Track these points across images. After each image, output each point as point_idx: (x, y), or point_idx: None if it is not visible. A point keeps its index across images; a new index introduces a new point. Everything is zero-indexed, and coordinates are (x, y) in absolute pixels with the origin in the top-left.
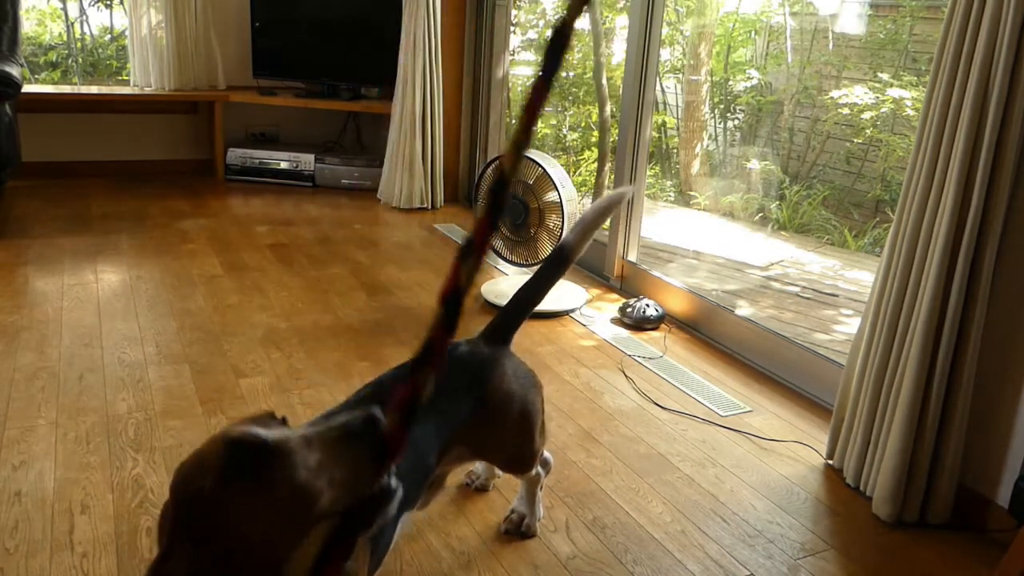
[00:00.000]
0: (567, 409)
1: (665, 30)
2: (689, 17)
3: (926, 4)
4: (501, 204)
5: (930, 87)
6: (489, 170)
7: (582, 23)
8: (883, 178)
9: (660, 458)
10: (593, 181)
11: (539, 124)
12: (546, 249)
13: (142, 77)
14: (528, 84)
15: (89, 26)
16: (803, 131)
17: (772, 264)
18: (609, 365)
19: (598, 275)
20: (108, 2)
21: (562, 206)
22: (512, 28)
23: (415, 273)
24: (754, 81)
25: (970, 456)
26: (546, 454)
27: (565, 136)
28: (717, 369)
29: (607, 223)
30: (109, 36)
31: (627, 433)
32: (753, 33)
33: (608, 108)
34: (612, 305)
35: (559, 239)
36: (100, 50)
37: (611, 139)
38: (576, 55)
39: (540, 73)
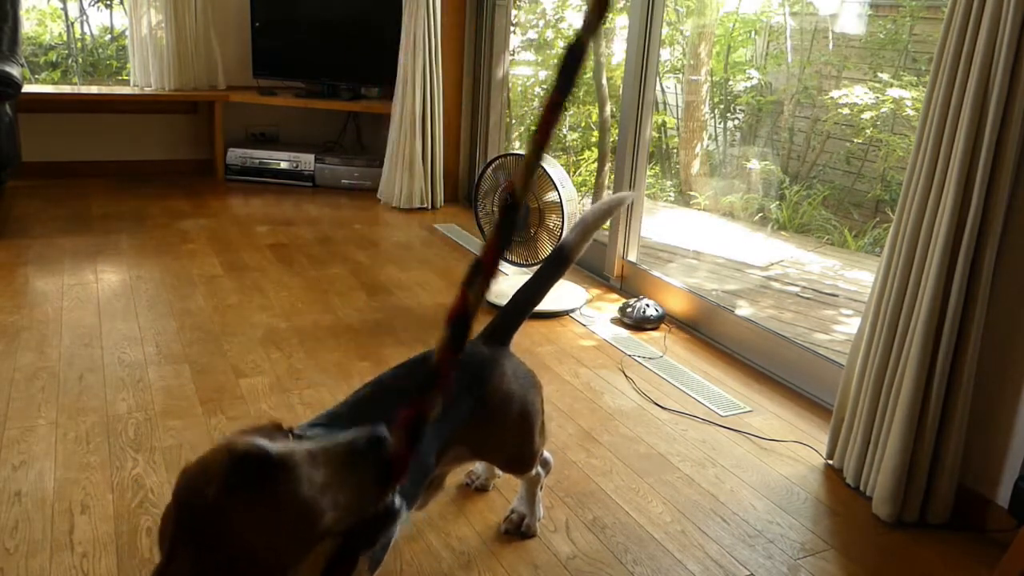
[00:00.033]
0: (567, 409)
1: (665, 30)
2: (689, 17)
3: (926, 4)
4: (512, 226)
5: (930, 87)
6: (489, 170)
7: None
8: (883, 178)
9: (660, 458)
10: (593, 181)
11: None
12: (546, 249)
13: (142, 77)
14: (542, 104)
15: (89, 26)
16: (803, 131)
17: (772, 264)
18: (609, 365)
19: (598, 275)
20: (108, 2)
21: (562, 206)
22: (512, 28)
23: (415, 273)
24: (754, 81)
25: (970, 456)
26: (546, 454)
27: (565, 136)
28: (717, 369)
29: (607, 223)
30: (109, 36)
31: (627, 433)
32: (753, 33)
33: (608, 108)
34: (612, 305)
35: (559, 239)
36: (100, 50)
37: (611, 139)
38: None
39: (553, 92)
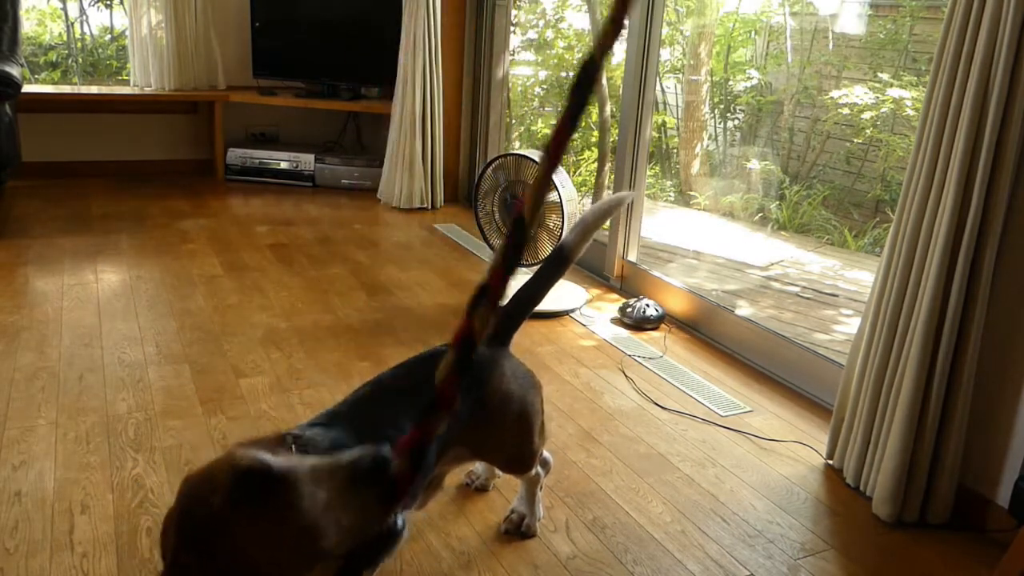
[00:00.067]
0: (567, 409)
1: (665, 30)
2: (689, 17)
3: (926, 4)
4: (519, 251)
5: (930, 87)
6: (489, 170)
7: (584, 24)
8: (883, 178)
9: (660, 458)
10: (593, 181)
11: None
12: (546, 249)
13: (142, 77)
14: (553, 124)
15: (89, 26)
16: (803, 131)
17: (772, 264)
18: (609, 365)
19: (598, 275)
20: (108, 2)
21: (562, 206)
22: (512, 28)
23: (415, 273)
24: (754, 81)
25: (970, 456)
26: (546, 454)
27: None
28: (717, 369)
29: (607, 223)
30: (109, 36)
31: (627, 433)
32: (753, 33)
33: (608, 108)
34: (612, 305)
35: (559, 239)
36: (100, 50)
37: (611, 139)
38: (576, 55)
39: (565, 111)
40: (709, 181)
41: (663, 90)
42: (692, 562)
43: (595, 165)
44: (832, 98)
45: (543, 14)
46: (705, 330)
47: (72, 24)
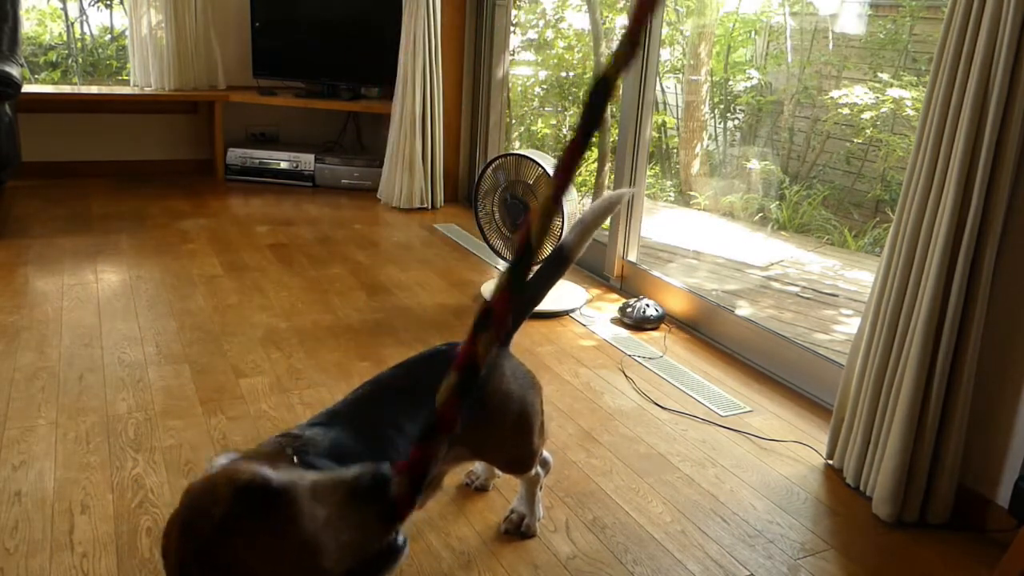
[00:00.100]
0: (567, 409)
1: (665, 30)
2: (689, 17)
3: (926, 4)
4: (525, 274)
5: (930, 87)
6: (489, 170)
7: (584, 24)
8: (883, 178)
9: (660, 458)
10: (593, 181)
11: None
12: (546, 249)
13: (142, 77)
14: (565, 142)
15: (89, 26)
16: (803, 131)
17: (772, 264)
18: (609, 365)
19: (598, 275)
20: (108, 2)
21: (562, 206)
22: (512, 28)
23: (415, 273)
24: (754, 81)
25: (970, 456)
26: (545, 454)
27: (565, 136)
28: (717, 369)
29: (607, 223)
30: (109, 36)
31: (627, 433)
32: (753, 33)
33: (608, 108)
34: (612, 305)
35: (559, 239)
36: (100, 50)
37: (611, 139)
38: (576, 55)
39: (577, 131)
40: (709, 181)
41: (663, 90)
42: (692, 562)
43: (595, 165)
44: (832, 98)
45: (543, 14)
46: (705, 330)
47: (72, 24)
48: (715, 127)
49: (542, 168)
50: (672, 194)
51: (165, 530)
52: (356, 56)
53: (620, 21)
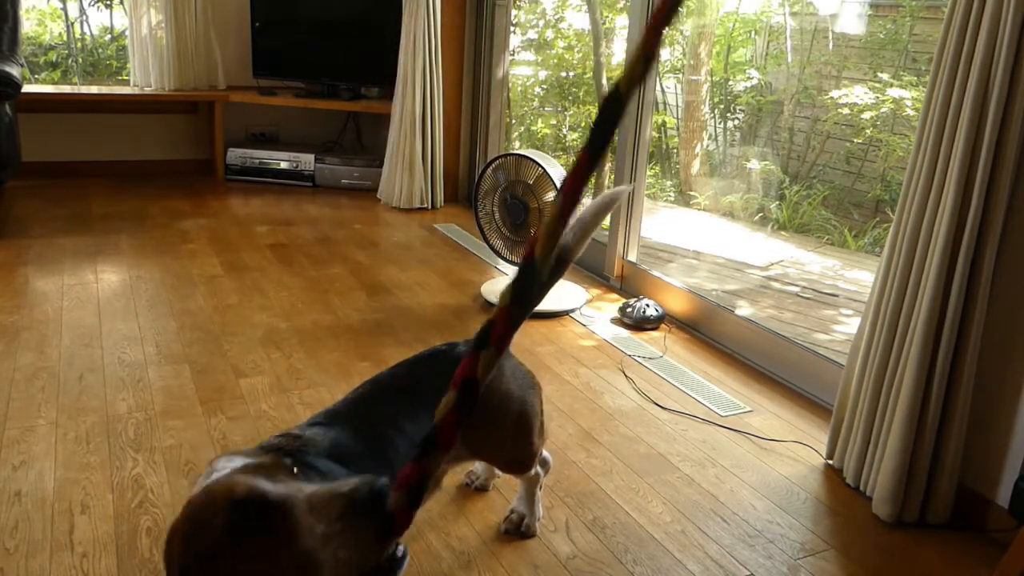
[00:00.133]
0: (567, 409)
1: (665, 30)
2: (689, 17)
3: (926, 4)
4: (529, 296)
5: (930, 87)
6: (489, 170)
7: (584, 24)
8: (883, 178)
9: (660, 458)
10: (593, 181)
11: (539, 125)
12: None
13: (142, 77)
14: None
15: (89, 26)
16: (803, 131)
17: (772, 264)
18: (609, 365)
19: (598, 275)
20: (108, 2)
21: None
22: (512, 28)
23: (415, 273)
24: (754, 81)
25: (970, 456)
26: (545, 454)
27: (565, 136)
28: (717, 369)
29: (607, 222)
30: (109, 36)
31: (627, 433)
32: (753, 33)
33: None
34: (612, 305)
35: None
36: (100, 50)
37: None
38: (576, 55)
39: (585, 148)
40: (709, 181)
41: (663, 90)
42: (692, 562)
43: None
44: (832, 98)
45: (543, 14)
46: (705, 330)
47: (72, 24)
48: (715, 127)
49: (542, 168)
50: (672, 194)
51: (167, 539)
52: (356, 56)
53: (620, 21)
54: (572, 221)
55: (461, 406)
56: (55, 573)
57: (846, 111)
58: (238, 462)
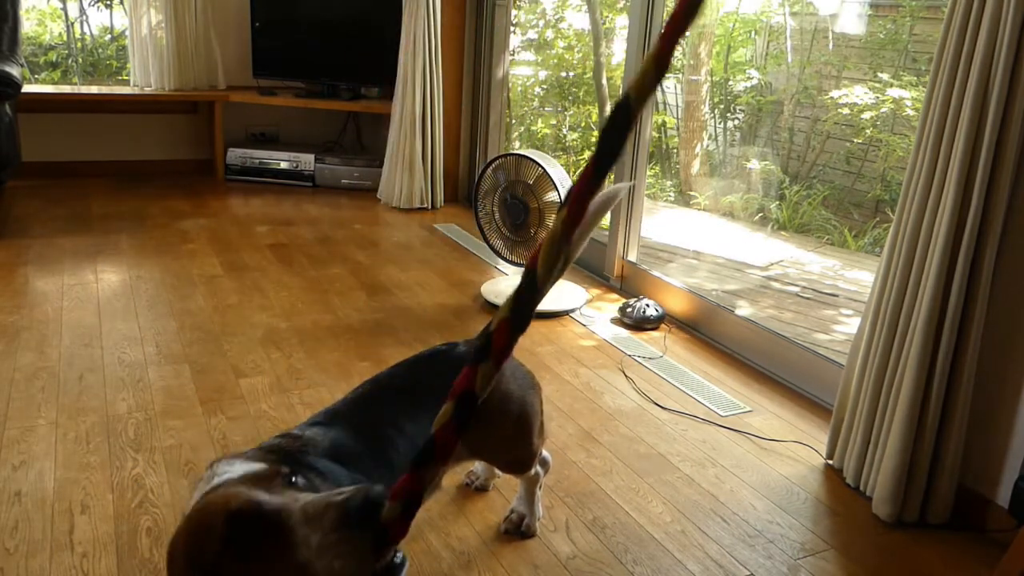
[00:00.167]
0: (567, 409)
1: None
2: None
3: (926, 4)
4: (529, 309)
5: (930, 87)
6: (489, 170)
7: (584, 24)
8: (883, 178)
9: (660, 458)
10: None
11: (539, 125)
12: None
13: (142, 77)
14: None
15: (89, 26)
16: (803, 131)
17: (772, 264)
18: (609, 365)
19: (598, 275)
20: (108, 2)
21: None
22: (512, 28)
23: (415, 273)
24: (754, 81)
25: (970, 456)
26: (545, 453)
27: (565, 136)
28: (717, 369)
29: (606, 222)
30: (109, 36)
31: (627, 433)
32: (753, 33)
33: (608, 108)
34: (612, 305)
35: None
36: (100, 50)
37: None
38: (576, 55)
39: (592, 158)
40: (709, 181)
41: (663, 90)
42: (692, 562)
43: None
44: (832, 98)
45: (543, 14)
46: (705, 330)
47: (72, 24)
48: (715, 127)
49: (542, 168)
50: (672, 194)
51: (168, 554)
52: (356, 56)
53: (620, 21)
54: (576, 234)
55: (458, 418)
56: (55, 573)
57: (846, 111)
58: (237, 467)
